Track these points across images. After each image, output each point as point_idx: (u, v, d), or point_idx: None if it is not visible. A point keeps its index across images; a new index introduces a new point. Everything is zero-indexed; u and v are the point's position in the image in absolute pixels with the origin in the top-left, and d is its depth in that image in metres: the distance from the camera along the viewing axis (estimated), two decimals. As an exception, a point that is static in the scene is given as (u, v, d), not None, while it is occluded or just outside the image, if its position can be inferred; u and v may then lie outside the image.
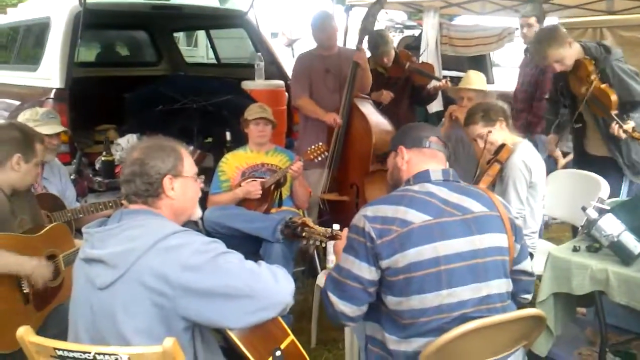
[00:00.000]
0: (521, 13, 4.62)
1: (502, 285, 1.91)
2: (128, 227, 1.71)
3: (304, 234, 2.62)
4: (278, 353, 1.88)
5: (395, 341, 1.88)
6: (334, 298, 1.93)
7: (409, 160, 2.05)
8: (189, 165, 1.85)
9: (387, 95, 4.51)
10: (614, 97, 3.26)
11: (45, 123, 3.26)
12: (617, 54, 3.43)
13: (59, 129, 3.34)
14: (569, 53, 3.38)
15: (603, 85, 3.29)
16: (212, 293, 1.63)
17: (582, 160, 3.78)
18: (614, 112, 3.24)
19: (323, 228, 2.65)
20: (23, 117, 3.28)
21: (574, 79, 3.48)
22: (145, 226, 1.71)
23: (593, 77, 3.29)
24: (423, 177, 1.98)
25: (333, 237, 2.62)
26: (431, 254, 1.81)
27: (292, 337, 1.96)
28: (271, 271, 1.76)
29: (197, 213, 1.96)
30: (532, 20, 4.48)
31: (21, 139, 2.60)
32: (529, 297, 2.16)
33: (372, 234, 1.84)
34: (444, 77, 4.53)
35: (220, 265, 1.66)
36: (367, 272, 1.86)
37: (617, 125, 3.19)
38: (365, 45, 4.17)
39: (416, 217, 1.84)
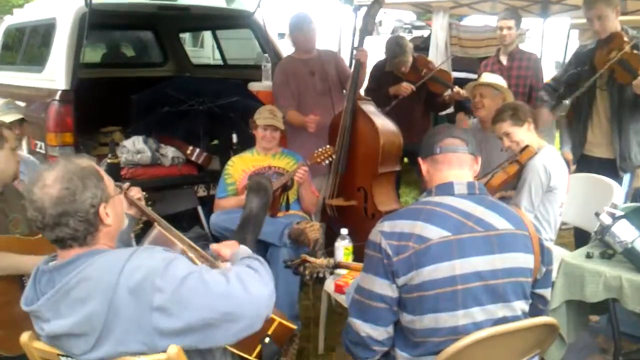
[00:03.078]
0: (501, 16, 4.62)
1: (520, 307, 1.85)
2: (71, 287, 1.52)
3: (306, 272, 2.60)
4: (267, 340, 1.89)
5: (406, 359, 1.84)
6: (357, 323, 1.85)
7: (427, 171, 2.01)
8: (109, 181, 1.64)
9: (407, 87, 4.39)
10: None
11: (5, 113, 3.53)
12: None
13: (17, 116, 3.60)
14: (612, 18, 3.56)
15: (635, 51, 3.43)
16: (188, 330, 1.52)
17: (581, 162, 3.86)
18: None
19: (325, 259, 2.64)
20: None
21: (605, 49, 3.56)
22: (90, 278, 1.51)
23: (626, 45, 3.45)
24: (446, 189, 1.91)
25: (336, 266, 2.64)
26: (447, 273, 1.74)
27: (277, 320, 1.94)
28: (240, 282, 1.59)
29: (125, 222, 1.87)
30: (512, 22, 4.49)
31: None
32: None
33: (389, 250, 1.78)
34: (457, 78, 4.43)
35: (186, 298, 1.50)
36: (389, 290, 1.80)
37: None
38: (367, 46, 4.08)
39: (434, 233, 1.77)
